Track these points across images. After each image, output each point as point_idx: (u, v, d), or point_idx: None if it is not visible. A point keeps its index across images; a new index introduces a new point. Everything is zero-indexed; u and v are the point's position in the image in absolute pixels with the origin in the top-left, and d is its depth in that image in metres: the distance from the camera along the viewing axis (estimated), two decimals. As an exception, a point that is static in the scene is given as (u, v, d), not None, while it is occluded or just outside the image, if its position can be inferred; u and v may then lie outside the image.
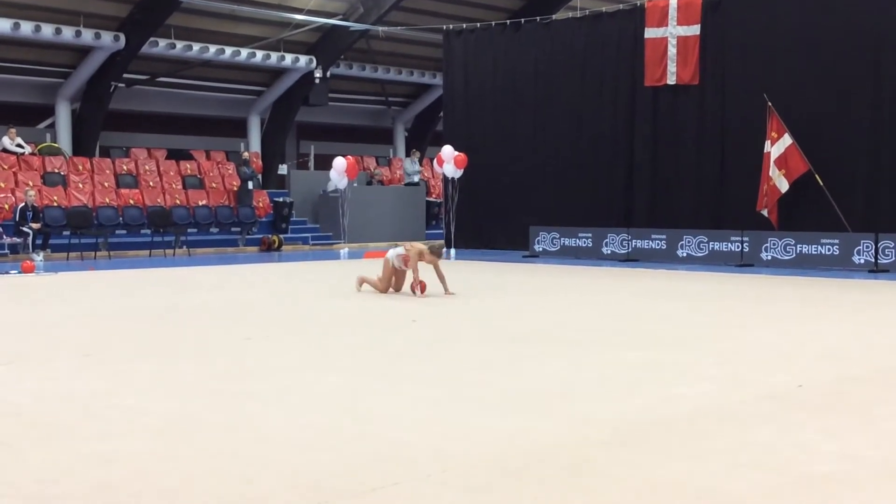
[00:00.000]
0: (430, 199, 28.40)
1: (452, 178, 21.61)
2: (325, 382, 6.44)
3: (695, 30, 19.40)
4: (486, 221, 22.44)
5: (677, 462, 4.48)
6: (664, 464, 4.45)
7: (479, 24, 23.54)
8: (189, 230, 22.97)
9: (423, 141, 32.08)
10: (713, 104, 19.33)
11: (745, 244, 17.68)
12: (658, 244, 18.76)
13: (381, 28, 26.45)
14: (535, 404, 5.72)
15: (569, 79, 21.31)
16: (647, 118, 20.16)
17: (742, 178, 18.64)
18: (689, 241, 18.37)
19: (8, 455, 4.59)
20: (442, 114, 25.83)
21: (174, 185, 24.60)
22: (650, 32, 19.93)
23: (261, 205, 25.03)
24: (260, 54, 25.98)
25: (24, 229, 19.92)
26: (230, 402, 5.77)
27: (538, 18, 22.59)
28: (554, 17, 23.58)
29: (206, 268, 17.89)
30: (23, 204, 20.23)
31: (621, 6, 21.29)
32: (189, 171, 25.50)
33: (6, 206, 20.77)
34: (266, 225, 25.13)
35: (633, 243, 19.08)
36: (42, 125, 25.82)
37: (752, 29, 18.81)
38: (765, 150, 17.95)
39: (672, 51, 19.62)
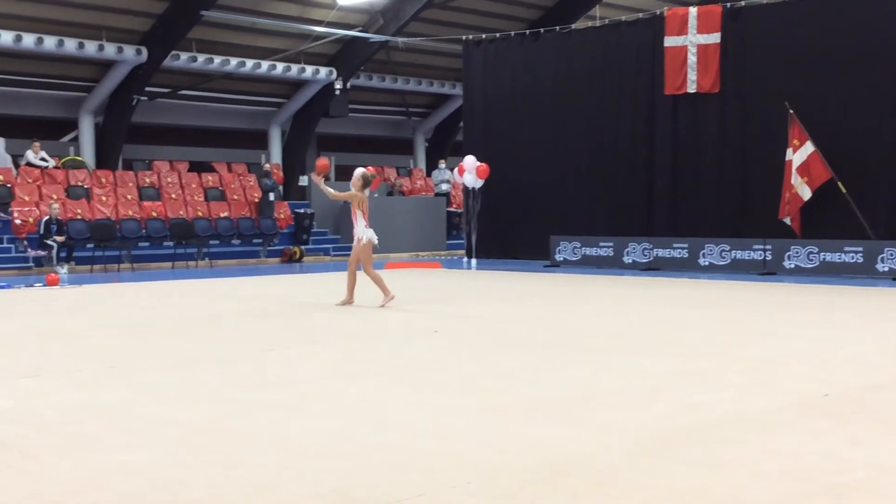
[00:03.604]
0: (451, 209, 28.41)
1: (473, 188, 21.63)
2: (347, 392, 6.46)
3: (715, 38, 19.35)
4: (507, 231, 22.41)
5: (701, 471, 4.46)
6: (688, 472, 4.43)
7: (498, 35, 23.57)
8: (211, 242, 23.07)
9: (443, 151, 32.11)
10: (734, 112, 19.27)
11: (767, 252, 17.60)
12: (680, 253, 18.69)
13: (400, 39, 26.53)
14: (558, 412, 5.71)
15: (588, 88, 21.29)
16: (667, 127, 20.11)
17: (764, 186, 18.56)
18: (711, 250, 18.30)
19: (35, 466, 4.63)
20: (462, 124, 25.86)
21: (196, 198, 24.72)
22: (670, 41, 19.90)
23: (282, 216, 25.11)
24: (280, 66, 26.10)
25: (49, 242, 20.06)
26: (253, 412, 5.79)
27: (557, 28, 22.60)
28: (573, 26, 23.59)
29: (228, 279, 17.96)
30: (47, 217, 20.37)
31: (640, 15, 21.27)
32: (211, 184, 25.63)
33: (31, 220, 20.93)
34: (287, 236, 25.21)
35: (655, 252, 19.01)
36: (65, 139, 26.01)
37: (773, 36, 18.76)
38: (786, 158, 17.87)
39: (692, 59, 19.58)
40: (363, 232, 12.20)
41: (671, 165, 20.08)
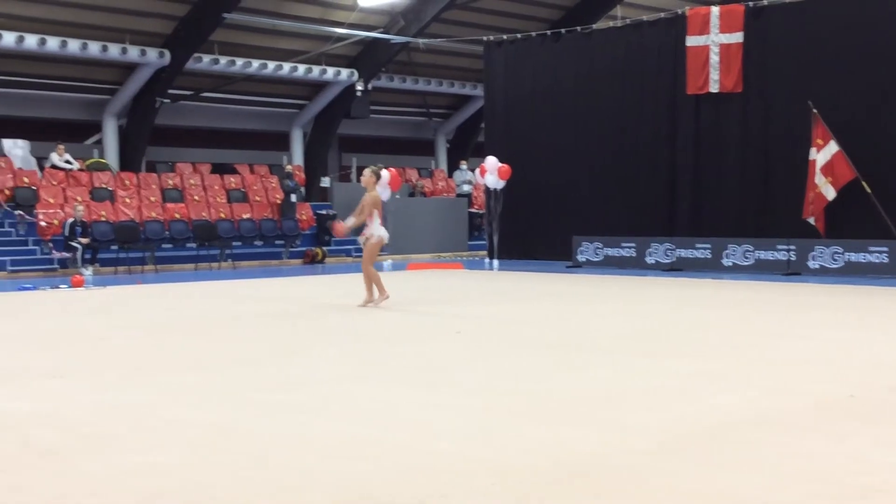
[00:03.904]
0: (473, 210, 28.41)
1: (495, 189, 21.62)
2: (367, 393, 6.47)
3: (737, 37, 19.26)
4: (529, 232, 22.39)
5: (724, 472, 4.45)
6: (711, 474, 4.41)
7: (519, 35, 23.54)
8: (234, 243, 23.17)
9: (464, 152, 32.11)
10: (757, 111, 19.18)
11: (791, 253, 17.50)
12: (703, 253, 18.61)
13: (421, 40, 26.55)
14: (580, 413, 5.70)
15: (610, 88, 21.23)
16: (689, 126, 20.03)
17: (787, 185, 18.46)
18: (734, 250, 18.21)
19: (61, 466, 4.66)
20: (483, 124, 25.86)
21: (219, 199, 24.83)
22: (692, 40, 19.82)
23: (304, 217, 25.18)
24: (302, 68, 26.17)
25: (74, 244, 20.20)
26: (274, 413, 5.81)
27: (579, 28, 22.56)
28: (594, 26, 23.53)
29: (250, 280, 18.03)
30: (72, 219, 20.51)
31: (662, 15, 21.20)
32: (233, 185, 25.74)
33: (55, 222, 21.08)
34: (309, 237, 25.28)
35: (678, 252, 18.94)
36: (89, 141, 26.19)
37: (796, 35, 18.66)
38: (810, 158, 17.77)
39: (714, 58, 19.50)
40: (377, 230, 12.26)
41: (693, 165, 20.00)
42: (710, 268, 18.28)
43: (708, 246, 18.58)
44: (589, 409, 5.86)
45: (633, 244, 19.63)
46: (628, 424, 5.40)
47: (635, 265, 19.34)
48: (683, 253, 18.85)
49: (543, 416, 5.67)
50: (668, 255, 19.04)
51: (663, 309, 12.07)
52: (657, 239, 19.40)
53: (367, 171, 12.46)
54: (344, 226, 12.44)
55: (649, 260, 19.28)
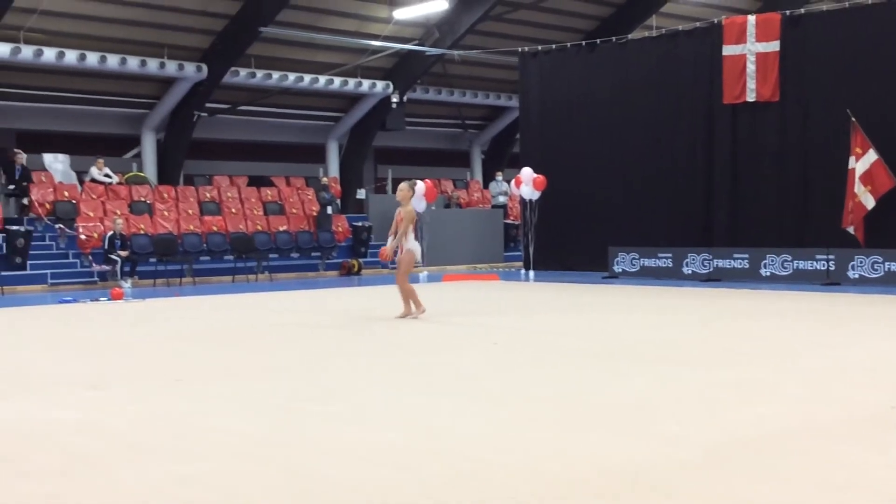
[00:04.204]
0: (508, 221, 28.39)
1: (530, 200, 21.60)
2: (404, 403, 6.47)
3: (774, 46, 19.13)
4: (565, 243, 22.33)
5: (768, 482, 4.40)
6: (755, 484, 4.37)
7: (554, 46, 23.54)
8: (270, 255, 23.31)
9: (500, 163, 32.12)
10: (794, 120, 19.03)
11: (830, 262, 17.32)
12: (740, 263, 18.47)
13: (456, 52, 26.62)
14: (619, 423, 5.66)
15: (646, 98, 21.16)
16: (726, 136, 19.91)
17: (826, 194, 18.30)
18: (772, 260, 18.06)
19: (102, 475, 4.70)
20: (518, 135, 25.86)
21: (255, 212, 24.99)
22: (728, 49, 19.72)
23: (340, 229, 25.28)
24: (338, 81, 26.32)
25: (113, 257, 20.41)
26: (312, 423, 5.82)
27: (614, 39, 22.52)
28: (630, 36, 23.48)
29: (287, 292, 18.11)
30: (111, 232, 20.73)
31: (698, 24, 21.11)
32: (270, 198, 25.90)
33: (95, 235, 21.31)
34: (345, 249, 25.37)
35: (715, 263, 18.80)
36: (128, 155, 26.49)
37: (833, 43, 18.51)
38: (849, 167, 17.61)
39: (751, 67, 19.38)
40: (411, 244, 12.26)
41: (730, 174, 19.87)
42: (748, 278, 18.14)
43: (745, 256, 18.44)
44: (628, 418, 5.82)
45: (669, 254, 19.51)
46: (671, 434, 5.35)
47: (672, 276, 19.22)
48: (721, 263, 18.72)
49: (582, 425, 5.64)
50: (705, 266, 18.91)
51: (701, 319, 11.98)
52: (694, 249, 19.28)
53: (403, 185, 12.47)
54: (389, 249, 12.43)
55: (686, 270, 19.15)
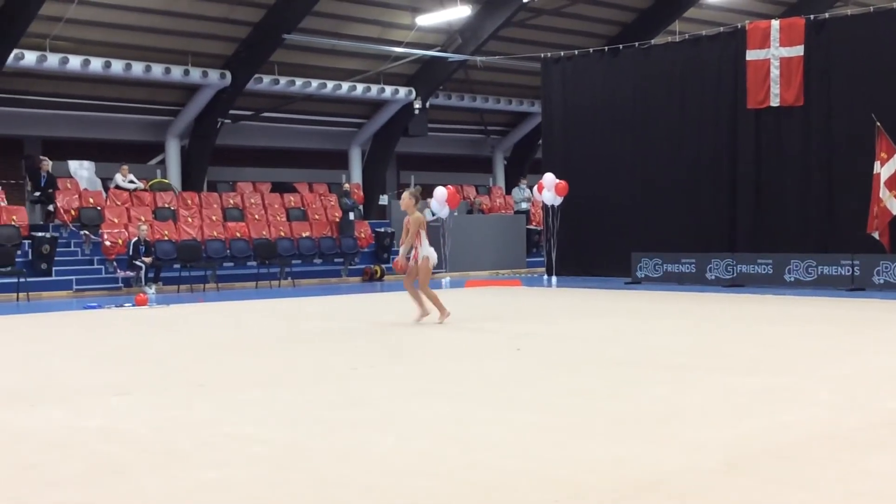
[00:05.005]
0: (531, 226, 28.37)
1: (553, 206, 21.58)
2: (430, 410, 6.47)
3: (798, 50, 19.04)
4: (588, 248, 22.28)
5: (795, 490, 4.37)
6: (781, 492, 4.34)
7: (577, 52, 23.53)
8: (293, 261, 23.39)
9: (522, 169, 32.11)
10: (819, 125, 18.92)
11: (855, 268, 17.21)
12: (764, 269, 18.37)
13: (479, 58, 26.64)
14: (643, 430, 5.64)
15: (669, 103, 21.10)
16: (750, 141, 19.82)
17: (851, 200, 18.17)
18: (796, 266, 17.95)
19: (128, 482, 4.73)
20: (541, 141, 25.84)
21: (279, 218, 25.09)
22: (752, 54, 19.64)
23: (363, 235, 25.33)
24: (360, 87, 26.40)
25: (137, 263, 20.54)
26: (338, 430, 5.84)
27: (637, 44, 22.47)
28: (653, 42, 23.42)
29: (310, 298, 18.17)
30: (136, 238, 20.87)
31: (721, 29, 21.04)
32: (293, 204, 25.99)
33: (120, 241, 21.45)
34: (368, 255, 25.43)
35: (739, 268, 18.71)
36: (153, 162, 26.65)
37: (858, 48, 18.40)
38: (874, 172, 17.48)
39: (775, 72, 19.30)
40: (426, 250, 12.29)
41: (754, 180, 19.78)
42: (772, 283, 18.03)
43: (770, 261, 18.34)
44: (654, 426, 5.80)
45: (693, 260, 19.43)
46: (695, 441, 5.33)
47: (695, 281, 19.14)
48: (744, 269, 18.63)
49: (606, 432, 5.63)
50: (728, 271, 18.82)
51: (725, 325, 11.93)
52: (717, 255, 19.19)
53: (405, 195, 12.52)
54: (401, 258, 12.47)
55: (710, 276, 19.06)
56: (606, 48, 23.31)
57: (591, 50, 23.50)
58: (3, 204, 21.81)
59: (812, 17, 19.31)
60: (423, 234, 12.34)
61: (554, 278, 21.35)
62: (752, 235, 19.68)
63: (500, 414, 6.29)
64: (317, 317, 14.14)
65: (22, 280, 19.46)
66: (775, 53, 19.32)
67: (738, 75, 19.90)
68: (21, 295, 19.32)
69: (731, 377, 7.61)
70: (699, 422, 5.91)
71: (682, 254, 19.71)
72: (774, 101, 19.37)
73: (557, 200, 21.38)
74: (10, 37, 20.87)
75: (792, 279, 17.93)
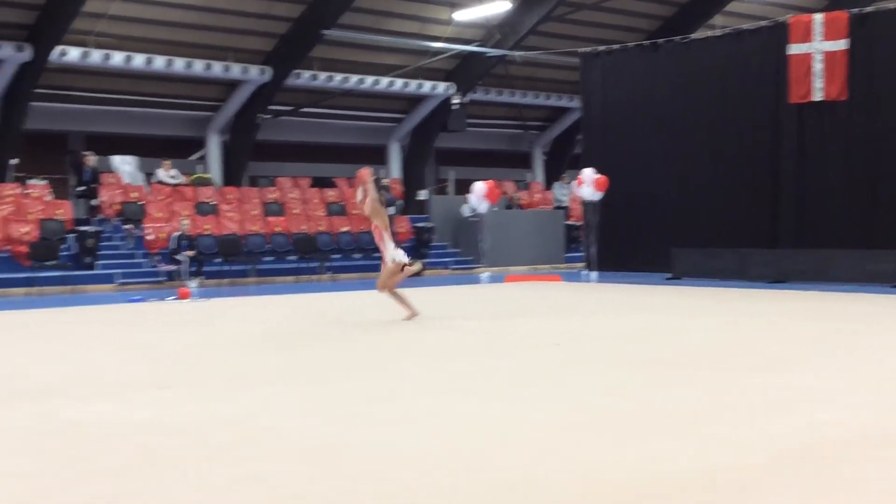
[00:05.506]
0: (570, 222, 28.30)
1: (592, 201, 21.51)
2: (465, 406, 6.47)
3: (842, 44, 18.82)
4: (627, 243, 22.17)
5: (841, 488, 4.34)
6: (826, 490, 4.32)
7: (616, 46, 23.42)
8: (333, 256, 23.50)
9: (561, 164, 32.03)
10: (862, 119, 18.68)
11: (900, 264, 16.99)
12: (807, 265, 18.17)
13: (518, 53, 26.59)
14: (682, 428, 5.60)
15: (709, 98, 20.92)
16: (792, 136, 19.62)
17: (895, 194, 17.94)
18: (840, 262, 17.75)
19: (174, 474, 4.79)
20: (580, 136, 25.75)
21: (318, 213, 25.22)
22: (794, 48, 19.43)
23: (402, 230, 25.40)
24: (399, 82, 26.46)
25: (179, 257, 20.74)
26: (372, 426, 5.87)
27: (677, 38, 22.31)
28: (693, 36, 23.25)
29: (349, 293, 18.25)
30: (178, 233, 21.08)
31: (763, 23, 20.84)
32: (332, 199, 26.11)
33: (162, 236, 21.67)
34: (407, 250, 25.34)
35: (781, 264, 18.53)
36: (193, 157, 26.89)
37: (903, 41, 18.16)
38: (920, 166, 17.26)
39: (818, 66, 19.09)
40: (392, 251, 12.32)
41: (797, 175, 19.57)
42: (815, 279, 17.83)
43: (813, 257, 18.14)
44: (693, 423, 5.76)
45: (734, 255, 19.27)
46: (736, 439, 5.29)
47: (737, 277, 18.97)
48: (787, 264, 18.44)
49: (645, 430, 5.60)
50: (770, 267, 18.65)
51: (767, 323, 11.83)
52: (759, 250, 19.03)
53: (366, 206, 12.53)
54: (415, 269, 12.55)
55: (751, 272, 18.89)
56: (647, 42, 23.17)
57: (631, 44, 23.37)
58: (48, 198, 22.13)
59: (856, 10, 19.06)
60: (387, 236, 12.37)
61: (594, 273, 21.28)
62: (795, 230, 19.47)
63: (533, 411, 6.29)
64: (356, 311, 14.20)
65: (66, 274, 19.73)
66: (818, 47, 19.11)
67: (779, 69, 19.71)
68: (66, 288, 19.59)
69: (772, 375, 7.55)
70: (739, 419, 5.87)
71: (723, 249, 19.55)
72: (817, 96, 19.16)
73: (597, 195, 21.30)
74: (54, 33, 21.16)
75: (835, 275, 17.72)
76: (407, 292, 12.81)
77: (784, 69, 19.59)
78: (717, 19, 27.62)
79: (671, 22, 28.04)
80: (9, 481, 4.72)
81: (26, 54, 21.30)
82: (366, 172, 12.41)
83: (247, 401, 6.81)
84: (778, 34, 19.83)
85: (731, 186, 20.45)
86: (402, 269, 12.25)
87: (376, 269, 24.36)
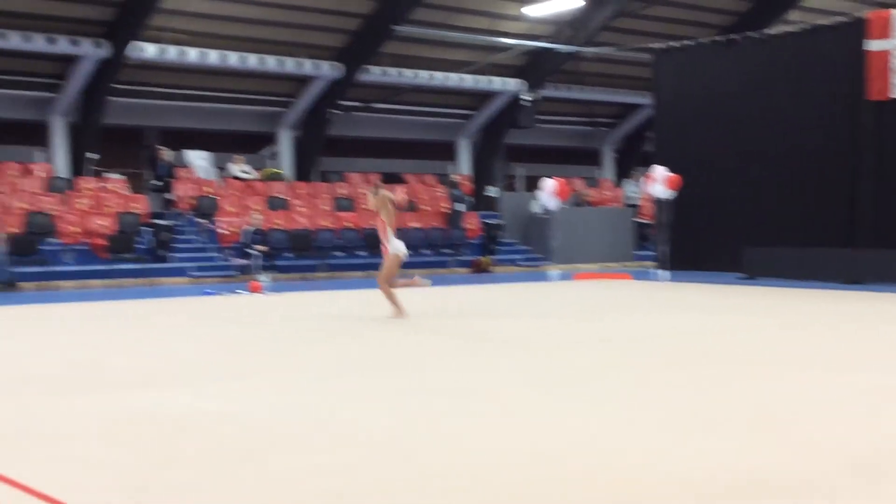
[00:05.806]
0: (640, 220, 28.06)
1: (664, 199, 21.30)
2: (525, 402, 6.46)
3: (923, 40, 18.40)
4: (700, 242, 21.89)
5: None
6: (902, 495, 4.24)
7: (689, 42, 23.15)
8: (402, 251, 23.58)
9: (631, 161, 31.79)
10: (944, 117, 18.24)
11: (981, 265, 16.54)
12: (884, 265, 17.78)
13: (589, 49, 26.44)
14: (759, 429, 5.53)
15: (784, 94, 20.57)
16: (870, 133, 19.21)
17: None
18: (918, 262, 17.33)
19: (248, 464, 4.87)
20: (651, 133, 25.51)
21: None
22: (872, 45, 19.02)
23: (471, 227, 25.42)
24: (469, 78, 26.48)
25: (251, 251, 21.01)
26: (440, 419, 5.90)
27: (753, 34, 21.98)
28: (769, 31, 22.89)
29: (417, 289, 18.29)
30: (250, 227, 21.36)
31: (840, 18, 20.44)
32: (402, 195, 26.23)
33: (235, 229, 21.98)
34: (476, 247, 25.50)
35: (857, 264, 18.16)
36: (265, 152, 27.22)
37: None
38: None
39: (897, 62, 18.67)
40: (395, 245, 12.31)
41: (875, 173, 19.15)
42: (894, 280, 17.44)
43: (890, 258, 17.74)
44: (770, 424, 5.68)
45: (808, 255, 18.92)
46: (815, 441, 5.20)
47: (811, 277, 18.61)
48: (863, 264, 18.07)
49: (723, 430, 5.53)
50: (846, 267, 18.27)
51: (842, 322, 11.62)
52: (835, 250, 18.66)
53: (369, 195, 12.56)
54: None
55: (826, 272, 18.52)
56: (721, 38, 22.87)
57: (704, 40, 23.08)
58: (125, 192, 22.59)
59: (938, 5, 18.64)
60: (391, 229, 12.37)
61: (666, 272, 21.07)
62: (873, 230, 19.05)
63: (602, 408, 6.26)
64: (424, 306, 14.24)
65: (142, 266, 20.12)
66: (898, 43, 18.69)
67: (857, 66, 19.30)
68: (143, 280, 19.98)
69: (851, 377, 7.41)
70: (818, 421, 5.78)
71: (796, 248, 19.21)
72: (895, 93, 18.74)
73: (668, 193, 21.09)
74: (132, 30, 21.58)
75: (913, 276, 17.30)
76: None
77: (862, 65, 19.20)
78: (793, 15, 27.15)
79: (745, 18, 27.65)
80: (105, 471, 4.84)
81: (104, 51, 21.76)
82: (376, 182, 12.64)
83: (320, 392, 6.89)
84: (856, 30, 19.42)
85: (806, 185, 20.09)
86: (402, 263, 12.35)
87: (444, 265, 24.60)
